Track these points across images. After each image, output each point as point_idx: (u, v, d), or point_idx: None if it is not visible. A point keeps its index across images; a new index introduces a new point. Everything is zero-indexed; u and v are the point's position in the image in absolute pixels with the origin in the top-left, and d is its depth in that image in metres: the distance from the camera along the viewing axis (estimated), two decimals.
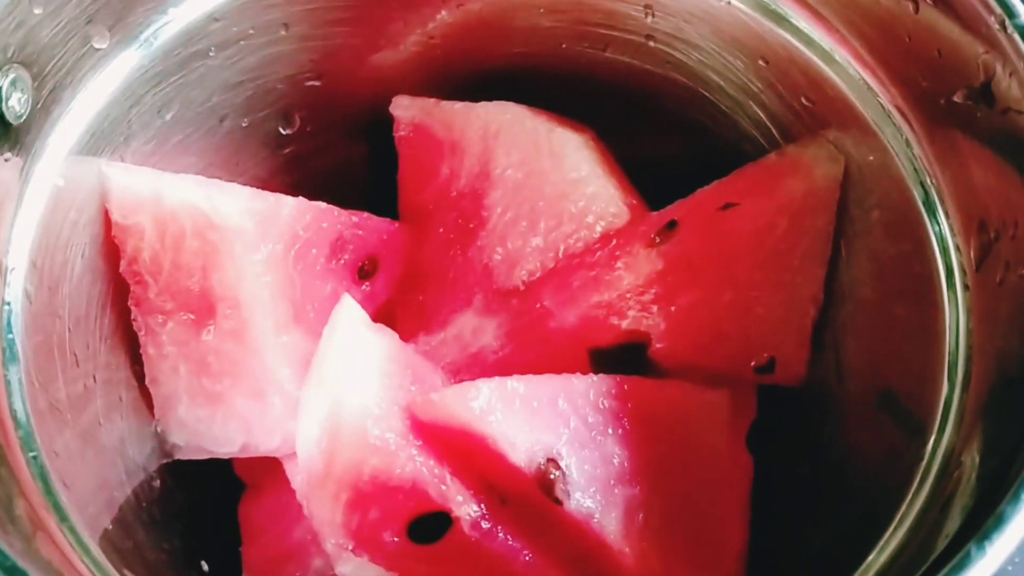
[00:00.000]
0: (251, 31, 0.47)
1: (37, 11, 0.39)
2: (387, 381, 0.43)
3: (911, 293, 0.42)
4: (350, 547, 0.42)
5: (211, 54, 0.46)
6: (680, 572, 0.43)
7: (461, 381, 0.46)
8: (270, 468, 0.49)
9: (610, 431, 0.43)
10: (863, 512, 0.41)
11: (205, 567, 0.49)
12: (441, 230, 0.52)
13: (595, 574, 0.42)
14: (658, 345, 0.47)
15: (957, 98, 0.39)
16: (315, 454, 0.42)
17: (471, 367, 0.49)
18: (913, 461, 0.38)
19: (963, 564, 0.28)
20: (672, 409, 0.45)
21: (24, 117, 0.40)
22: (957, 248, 0.40)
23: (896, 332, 0.44)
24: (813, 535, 0.46)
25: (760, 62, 0.47)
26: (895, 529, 0.36)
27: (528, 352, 0.48)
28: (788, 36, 0.45)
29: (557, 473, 0.41)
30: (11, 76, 0.38)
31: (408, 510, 0.41)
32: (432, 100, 0.52)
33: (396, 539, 0.41)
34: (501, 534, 0.42)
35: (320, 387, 0.43)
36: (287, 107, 0.52)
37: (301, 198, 0.48)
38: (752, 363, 0.47)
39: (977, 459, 0.35)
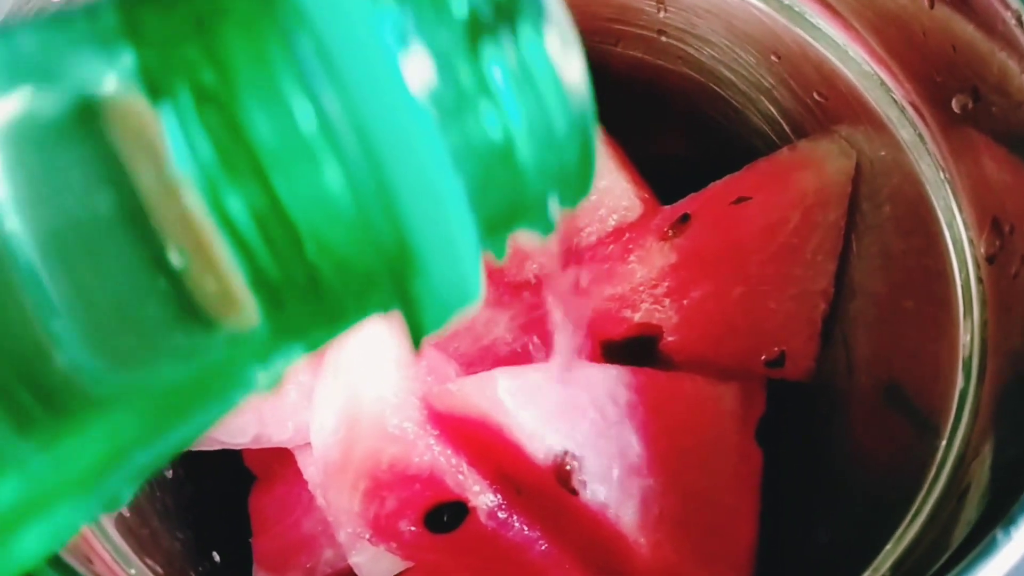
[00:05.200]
0: None
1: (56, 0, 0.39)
2: (403, 371, 0.43)
3: (923, 287, 0.43)
4: (367, 536, 0.42)
5: None
6: (693, 563, 0.43)
7: (475, 373, 0.46)
8: (280, 459, 0.49)
9: (625, 422, 0.43)
10: (876, 504, 0.41)
11: (217, 558, 0.49)
12: None
13: (610, 564, 0.43)
14: (669, 338, 0.48)
15: (972, 94, 0.40)
16: (332, 444, 0.42)
17: (484, 359, 0.49)
18: (927, 453, 0.39)
19: (989, 550, 0.28)
20: (685, 401, 0.45)
21: None
22: (970, 242, 0.40)
23: (907, 326, 0.44)
24: (823, 528, 0.46)
25: (772, 57, 0.47)
26: (911, 520, 0.37)
27: (541, 345, 0.48)
28: (801, 31, 0.45)
29: (573, 463, 0.41)
30: None
31: (425, 499, 0.41)
32: None
33: (413, 528, 0.42)
34: (517, 524, 0.42)
35: (336, 377, 0.44)
36: None
37: None
38: (762, 357, 0.48)
39: (994, 450, 0.36)
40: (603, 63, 0.52)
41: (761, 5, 0.46)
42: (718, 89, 0.51)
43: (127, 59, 0.16)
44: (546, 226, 0.19)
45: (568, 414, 0.42)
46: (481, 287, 0.18)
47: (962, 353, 0.39)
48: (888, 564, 0.35)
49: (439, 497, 0.41)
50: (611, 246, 0.48)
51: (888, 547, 0.36)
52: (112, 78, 0.16)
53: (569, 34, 0.18)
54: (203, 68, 0.16)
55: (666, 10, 0.48)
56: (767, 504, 0.47)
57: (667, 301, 0.47)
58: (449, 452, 0.42)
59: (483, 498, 0.42)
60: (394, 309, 0.18)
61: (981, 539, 0.29)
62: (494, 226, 0.18)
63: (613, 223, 0.49)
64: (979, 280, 0.40)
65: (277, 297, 0.17)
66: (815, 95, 0.47)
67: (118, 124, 0.16)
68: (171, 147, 0.16)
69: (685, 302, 0.47)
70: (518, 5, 0.17)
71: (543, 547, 0.42)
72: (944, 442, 0.38)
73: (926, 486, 0.38)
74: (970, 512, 0.34)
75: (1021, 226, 0.38)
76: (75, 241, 0.16)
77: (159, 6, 0.17)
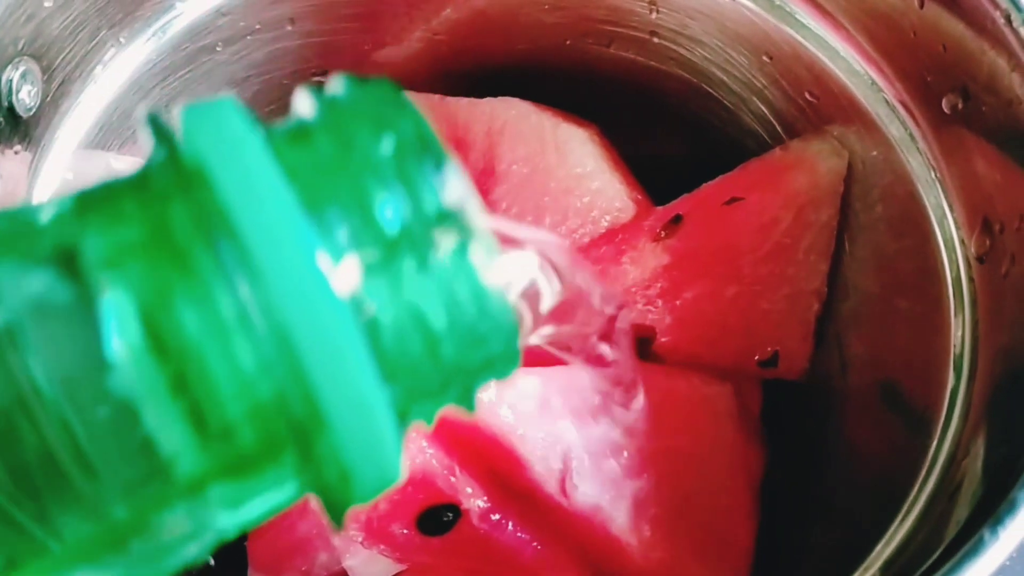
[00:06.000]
0: (257, 26, 0.47)
1: (48, 4, 0.39)
2: None
3: (915, 286, 0.43)
4: (360, 539, 0.42)
5: (218, 49, 0.47)
6: (688, 564, 0.43)
7: None
8: None
9: (619, 424, 0.43)
10: (869, 503, 0.41)
11: (211, 561, 0.49)
12: None
13: (603, 565, 0.43)
14: (663, 339, 0.48)
15: (961, 93, 0.40)
16: None
17: None
18: (919, 452, 0.39)
19: (976, 549, 0.28)
20: (680, 401, 0.45)
21: (34, 110, 0.40)
22: (961, 241, 0.40)
23: (900, 325, 0.44)
24: (818, 527, 0.46)
25: (764, 58, 0.47)
26: (903, 519, 0.37)
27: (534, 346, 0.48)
28: (792, 32, 0.45)
29: (566, 465, 0.41)
30: (21, 69, 0.38)
31: (417, 502, 0.41)
32: (437, 96, 0.52)
33: (405, 531, 0.42)
34: (510, 526, 0.42)
35: None
36: None
37: None
38: (755, 357, 0.48)
39: (985, 448, 0.36)
40: (596, 65, 0.52)
41: (752, 6, 0.46)
42: (710, 90, 0.51)
43: (81, 253, 0.19)
44: (469, 406, 0.21)
45: (562, 416, 0.42)
46: (401, 470, 0.20)
47: (953, 352, 0.39)
48: (879, 564, 0.35)
49: (431, 500, 0.42)
50: (604, 247, 0.48)
51: (879, 547, 0.36)
52: (59, 274, 0.19)
53: (493, 247, 0.20)
54: (143, 271, 0.18)
55: (658, 11, 0.48)
56: (762, 503, 0.47)
57: (660, 302, 0.47)
58: (441, 455, 0.42)
59: (475, 500, 0.42)
60: (314, 492, 0.20)
61: (970, 538, 0.29)
62: (422, 405, 0.20)
63: (606, 224, 0.49)
64: (970, 279, 0.40)
65: (201, 474, 0.19)
66: (807, 95, 0.47)
67: (74, 311, 0.18)
68: (107, 330, 0.18)
69: (678, 303, 0.47)
70: (447, 223, 0.19)
71: (536, 549, 0.42)
72: (935, 441, 0.38)
73: (917, 485, 0.38)
74: (962, 511, 0.34)
75: (1011, 225, 0.38)
76: (66, 390, 0.18)
77: (107, 209, 0.19)
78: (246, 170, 0.18)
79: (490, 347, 0.20)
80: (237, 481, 0.19)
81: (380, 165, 0.19)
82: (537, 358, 0.46)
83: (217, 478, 0.19)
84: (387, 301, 0.19)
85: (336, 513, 0.20)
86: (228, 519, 0.20)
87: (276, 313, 0.17)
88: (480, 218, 0.20)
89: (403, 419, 0.20)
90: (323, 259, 0.18)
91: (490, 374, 0.21)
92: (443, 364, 0.20)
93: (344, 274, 0.18)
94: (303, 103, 0.21)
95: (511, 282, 0.25)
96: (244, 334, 0.18)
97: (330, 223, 0.19)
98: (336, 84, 0.21)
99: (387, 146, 0.20)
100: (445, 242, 0.19)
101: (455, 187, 0.19)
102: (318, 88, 0.21)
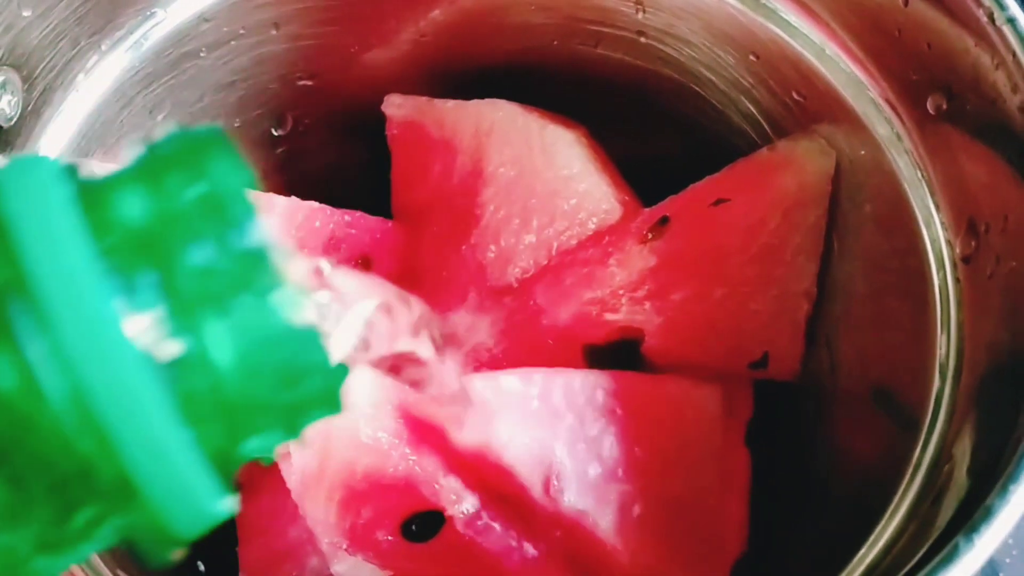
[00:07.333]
0: (242, 31, 0.47)
1: (26, 13, 0.39)
2: (380, 379, 0.43)
3: (903, 287, 0.42)
4: (344, 546, 0.42)
5: (202, 55, 0.46)
6: (675, 567, 0.43)
7: None
8: (265, 468, 0.49)
9: (605, 427, 0.43)
10: (856, 506, 0.41)
11: (201, 567, 0.49)
12: (434, 229, 0.52)
13: (590, 570, 0.42)
14: (651, 341, 0.47)
15: (946, 92, 0.39)
16: (308, 454, 0.42)
17: (465, 365, 0.49)
18: (905, 454, 0.38)
19: (951, 557, 0.28)
20: (667, 404, 0.45)
21: (15, 120, 0.40)
22: (948, 242, 0.40)
23: (889, 326, 0.44)
24: (807, 530, 0.46)
25: (751, 57, 0.47)
26: (887, 523, 0.36)
27: (522, 349, 0.48)
28: (778, 31, 0.45)
29: (551, 470, 0.41)
30: (0, 79, 0.38)
31: (401, 509, 0.41)
32: (424, 98, 0.52)
33: (390, 538, 0.42)
34: (495, 531, 0.42)
35: None
36: (279, 107, 0.52)
37: (293, 197, 0.48)
38: (745, 358, 0.47)
39: (968, 452, 0.35)
40: (584, 65, 0.52)
41: (738, 5, 0.45)
42: (698, 89, 0.50)
43: None
44: (295, 437, 0.22)
45: (546, 420, 0.42)
46: (222, 507, 0.20)
47: (939, 354, 0.39)
48: (861, 569, 0.35)
49: (415, 506, 0.41)
50: (591, 250, 0.48)
51: (863, 550, 0.36)
52: None
53: (299, 291, 0.20)
54: None
55: (645, 11, 0.48)
56: (751, 506, 0.46)
57: (648, 304, 0.47)
58: (425, 461, 0.42)
59: (460, 506, 0.42)
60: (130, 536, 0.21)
61: (947, 545, 0.29)
62: (252, 442, 0.21)
63: (593, 227, 0.48)
64: (956, 281, 0.39)
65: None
66: (794, 94, 0.46)
67: None
68: None
69: (666, 305, 0.47)
70: (251, 269, 0.20)
71: (522, 555, 0.42)
72: (920, 443, 0.38)
73: (902, 487, 0.37)
74: (945, 516, 0.34)
75: (996, 226, 0.37)
76: None
77: None
78: (42, 225, 0.18)
79: (307, 386, 0.21)
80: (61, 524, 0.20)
81: (187, 215, 0.20)
82: (524, 362, 0.46)
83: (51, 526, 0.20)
84: (192, 347, 0.19)
85: (155, 553, 0.21)
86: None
87: (70, 368, 0.18)
88: (287, 264, 0.20)
89: (226, 458, 0.20)
90: (120, 309, 0.18)
91: (315, 411, 0.21)
92: (259, 404, 0.20)
93: (143, 323, 0.19)
94: (128, 153, 0.21)
95: (332, 320, 0.26)
96: (39, 392, 0.18)
97: (134, 274, 0.19)
98: (160, 133, 0.22)
99: (195, 195, 0.20)
100: (250, 287, 0.20)
101: (260, 235, 0.20)
102: (147, 138, 0.22)
